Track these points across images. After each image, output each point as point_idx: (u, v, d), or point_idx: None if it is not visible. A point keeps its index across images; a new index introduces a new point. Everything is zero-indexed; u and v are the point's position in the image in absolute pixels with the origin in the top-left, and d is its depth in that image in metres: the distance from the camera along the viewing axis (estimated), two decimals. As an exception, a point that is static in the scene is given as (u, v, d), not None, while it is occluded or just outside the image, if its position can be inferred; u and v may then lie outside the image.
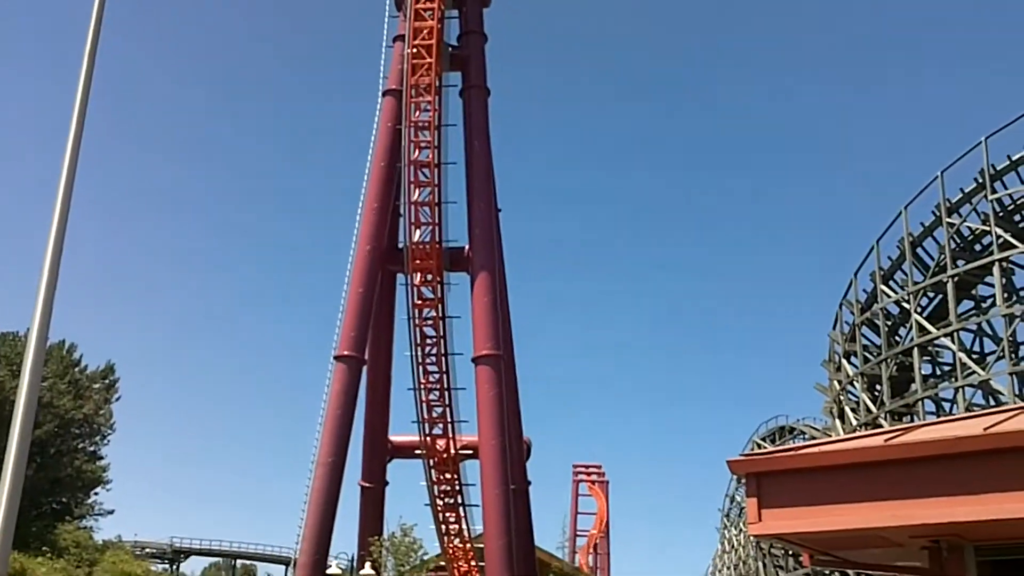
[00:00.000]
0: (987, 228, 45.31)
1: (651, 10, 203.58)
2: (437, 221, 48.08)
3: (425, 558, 49.79)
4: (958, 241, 48.02)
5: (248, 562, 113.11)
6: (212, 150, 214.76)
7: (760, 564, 63.89)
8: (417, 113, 46.70)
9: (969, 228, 47.79)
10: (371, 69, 51.19)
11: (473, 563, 55.87)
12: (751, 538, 73.09)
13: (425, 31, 46.37)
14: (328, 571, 45.78)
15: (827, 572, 49.68)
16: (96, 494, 75.33)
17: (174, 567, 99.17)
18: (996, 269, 43.68)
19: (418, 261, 47.85)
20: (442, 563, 57.59)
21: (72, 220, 8.23)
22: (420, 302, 48.88)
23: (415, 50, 46.18)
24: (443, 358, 49.29)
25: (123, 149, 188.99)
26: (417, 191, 47.51)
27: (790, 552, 54.64)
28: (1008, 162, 45.13)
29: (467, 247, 49.15)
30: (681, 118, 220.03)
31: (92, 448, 74.61)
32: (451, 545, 56.13)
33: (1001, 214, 45.58)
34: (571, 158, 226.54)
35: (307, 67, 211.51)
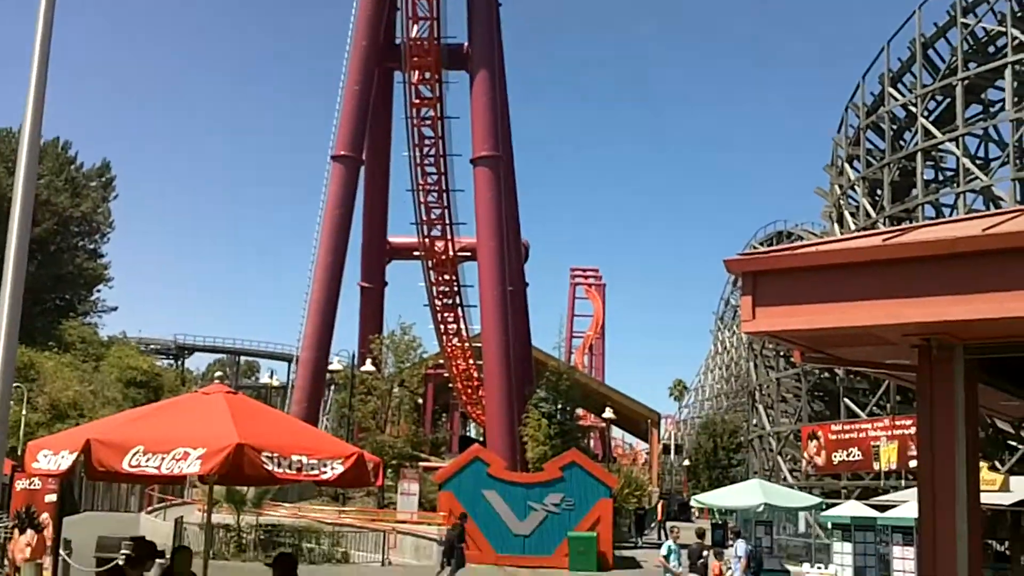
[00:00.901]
0: (1003, 29, 43.83)
1: None
2: (435, 15, 46.59)
3: (424, 356, 51.12)
4: (971, 43, 46.58)
5: (251, 358, 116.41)
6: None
7: (751, 364, 65.68)
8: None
9: (984, 29, 46.24)
10: None
11: (471, 361, 57.49)
12: (743, 339, 74.87)
13: None
14: (330, 367, 47.12)
15: (817, 371, 51.08)
16: (99, 291, 76.63)
17: (179, 363, 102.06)
18: (1008, 72, 42.55)
19: (416, 58, 46.68)
20: (441, 361, 59.25)
21: (62, 13, 7.81)
22: (418, 101, 48.06)
23: None
24: (442, 159, 48.94)
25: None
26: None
27: (781, 353, 56.00)
28: (1031, -42, 43.11)
29: (466, 44, 47.83)
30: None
31: (92, 246, 75.28)
32: (449, 344, 57.60)
33: (1019, 14, 43.93)
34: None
35: None
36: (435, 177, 49.61)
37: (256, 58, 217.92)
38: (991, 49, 46.50)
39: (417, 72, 47.22)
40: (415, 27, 46.79)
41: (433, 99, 47.97)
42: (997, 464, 35.30)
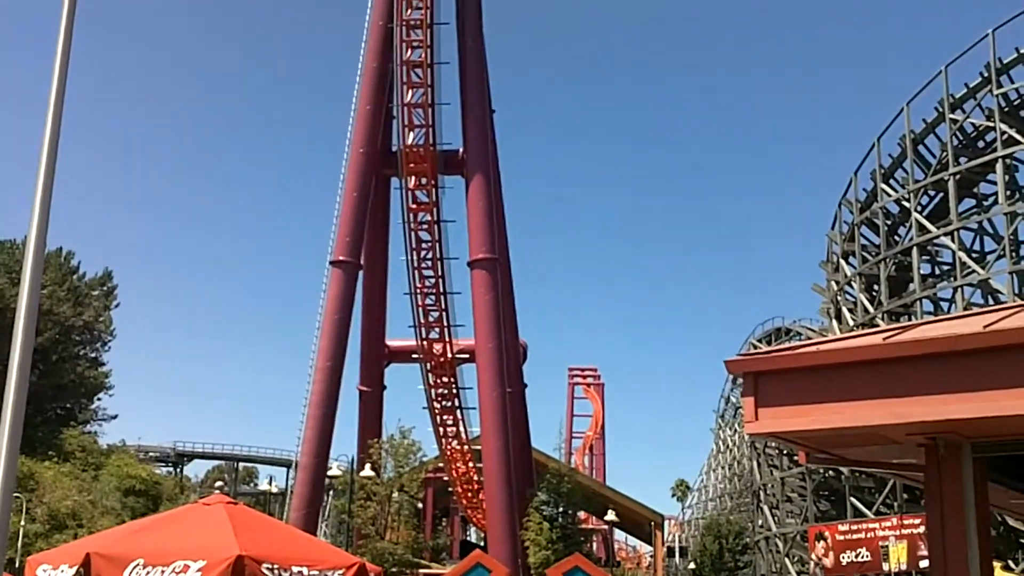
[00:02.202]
0: (991, 124, 44.67)
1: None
2: (431, 123, 47.46)
3: (424, 460, 50.59)
4: (961, 138, 47.44)
5: (250, 464, 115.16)
6: (207, 62, 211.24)
7: (754, 463, 65.03)
8: (409, 11, 45.68)
9: (973, 124, 47.13)
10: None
11: (471, 464, 56.81)
12: (746, 438, 74.24)
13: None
14: (329, 473, 46.55)
15: (822, 471, 50.53)
16: (99, 399, 76.18)
17: (178, 470, 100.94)
18: (999, 166, 43.22)
19: (412, 164, 47.39)
20: (440, 464, 58.55)
21: (65, 127, 7.98)
22: (415, 206, 48.60)
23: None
24: (439, 262, 49.24)
25: (115, 59, 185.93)
26: (410, 92, 46.78)
27: (784, 451, 55.51)
28: (1016, 55, 44.06)
29: (461, 149, 48.64)
30: (680, 9, 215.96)
31: (93, 355, 75.15)
32: (449, 447, 56.99)
33: (1007, 109, 44.84)
34: (566, 55, 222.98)
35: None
36: (432, 280, 49.88)
37: (254, 163, 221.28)
38: (981, 144, 47.32)
39: (414, 178, 47.93)
40: (411, 135, 47.65)
41: (429, 204, 48.57)
42: (1011, 563, 34.65)
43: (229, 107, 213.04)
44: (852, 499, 47.60)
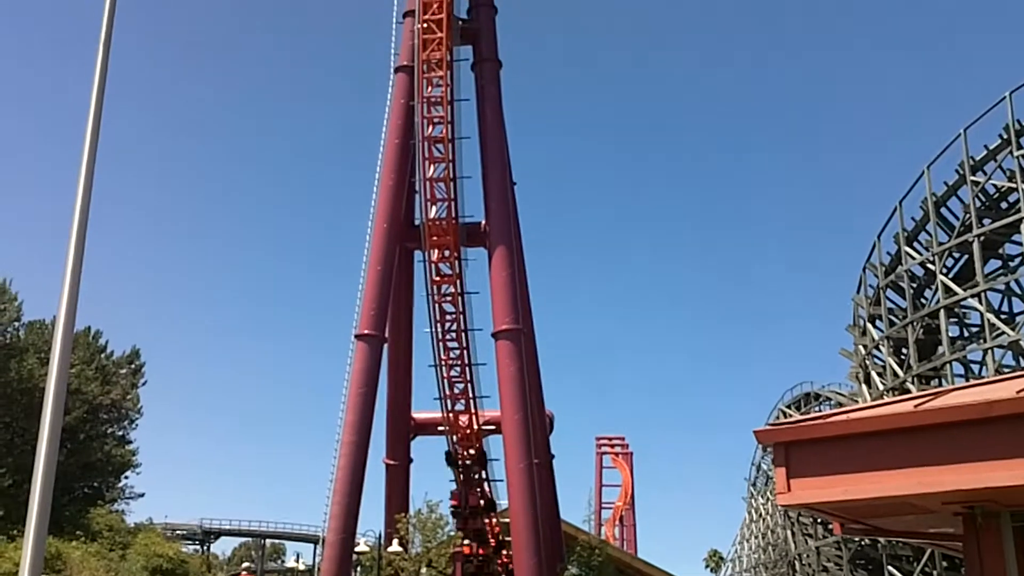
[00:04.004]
0: (1013, 185, 44.58)
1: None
2: (453, 196, 47.88)
3: (452, 534, 50.00)
4: (983, 199, 47.31)
5: (277, 541, 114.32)
6: (230, 137, 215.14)
7: (788, 532, 63.80)
8: (429, 89, 46.36)
9: (995, 186, 47.05)
10: (382, 46, 50.97)
11: (500, 537, 56.04)
12: (779, 507, 72.97)
13: (435, 5, 45.94)
14: (356, 549, 46.06)
15: (857, 540, 49.51)
16: (126, 478, 76.14)
17: (205, 548, 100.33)
18: None
19: (435, 237, 47.69)
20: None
21: (94, 208, 8.11)
22: (438, 278, 48.78)
23: (426, 25, 45.78)
24: (463, 334, 49.23)
25: (142, 141, 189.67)
26: (432, 167, 47.28)
27: (819, 520, 54.50)
28: (1034, 117, 44.23)
29: (483, 222, 48.95)
30: (701, 83, 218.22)
31: (120, 433, 75.33)
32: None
33: (1027, 170, 44.80)
34: (586, 127, 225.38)
35: (317, 45, 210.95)
36: (457, 352, 49.81)
37: (278, 240, 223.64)
38: (1004, 204, 47.16)
39: (436, 251, 48.21)
40: (433, 208, 48.05)
41: (453, 276, 48.74)
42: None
43: (251, 184, 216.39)
44: (890, 568, 46.54)
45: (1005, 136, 44.82)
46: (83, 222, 7.70)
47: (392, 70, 49.82)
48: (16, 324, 66.54)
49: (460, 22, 49.56)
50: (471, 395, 50.58)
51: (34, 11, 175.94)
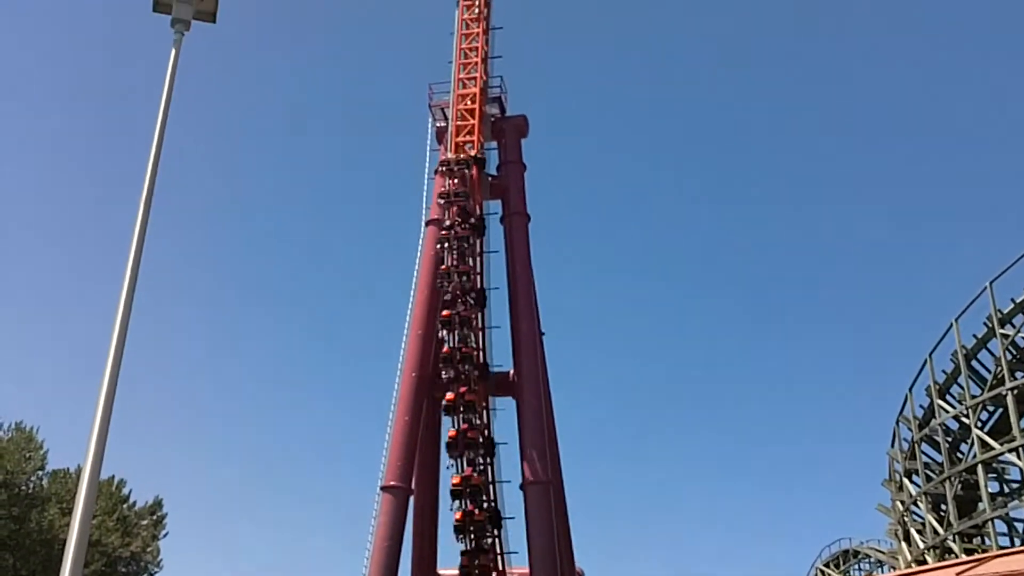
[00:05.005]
0: (1044, 338, 44.31)
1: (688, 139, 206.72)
2: (481, 347, 48.15)
3: None
4: (1014, 352, 46.91)
5: None
6: (260, 285, 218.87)
7: None
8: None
9: (1024, 339, 46.77)
10: (414, 197, 52.42)
11: None
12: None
13: (460, 185, 47.74)
14: None
15: None
16: (143, 632, 74.33)
17: None
18: (1057, 380, 42.50)
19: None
20: None
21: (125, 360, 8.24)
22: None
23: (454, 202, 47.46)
24: (491, 485, 48.58)
25: (168, 302, 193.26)
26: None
27: None
28: (1060, 269, 44.30)
29: (512, 372, 49.00)
30: (732, 238, 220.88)
31: (139, 586, 73.96)
32: None
33: (1059, 322, 44.62)
34: (614, 270, 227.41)
35: (349, 196, 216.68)
36: (484, 504, 49.01)
37: (305, 383, 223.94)
38: (1035, 357, 46.75)
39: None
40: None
41: (481, 426, 48.46)
42: None
43: (278, 331, 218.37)
44: None
45: (1032, 289, 44.86)
46: (114, 376, 7.79)
47: (423, 222, 51.05)
48: (40, 473, 66.48)
49: (490, 178, 51.10)
50: (499, 550, 49.48)
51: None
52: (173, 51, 13.96)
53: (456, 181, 47.55)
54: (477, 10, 52.40)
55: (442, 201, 47.81)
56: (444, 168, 48.02)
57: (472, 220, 47.29)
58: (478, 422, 48.41)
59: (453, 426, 48.04)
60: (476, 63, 51.04)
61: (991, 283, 46.48)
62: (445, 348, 47.09)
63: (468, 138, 48.53)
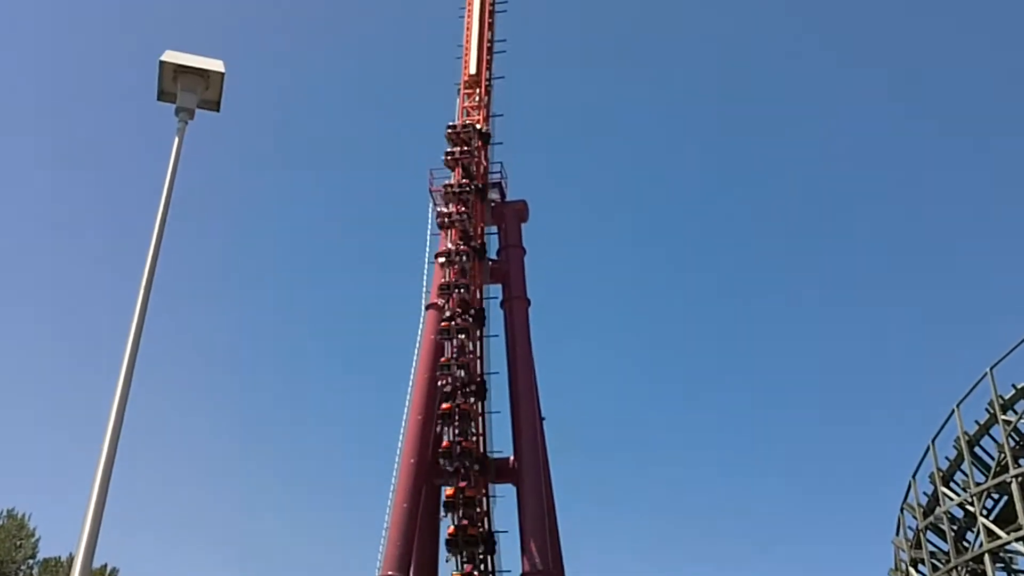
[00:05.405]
0: (1046, 425, 43.98)
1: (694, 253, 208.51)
2: (481, 432, 47.90)
3: None
4: (1017, 439, 46.50)
5: None
6: (261, 372, 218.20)
7: None
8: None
9: (1028, 425, 46.38)
10: (414, 283, 52.65)
11: None
12: None
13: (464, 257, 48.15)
14: None
15: None
16: None
17: None
18: (1062, 467, 42.03)
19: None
20: None
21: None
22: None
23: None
24: (490, 575, 47.81)
25: (164, 389, 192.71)
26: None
27: None
28: (1058, 355, 44.17)
29: (512, 458, 48.62)
30: (735, 326, 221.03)
31: None
32: None
33: (1061, 409, 44.31)
34: (611, 354, 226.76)
35: (350, 278, 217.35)
36: (485, 595, 48.17)
37: (300, 472, 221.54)
38: (1039, 443, 46.31)
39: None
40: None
41: (481, 513, 47.91)
42: None
43: (280, 414, 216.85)
44: None
45: (1034, 374, 44.66)
46: (107, 470, 7.77)
47: (423, 307, 51.20)
48: (31, 562, 65.49)
49: (491, 262, 51.42)
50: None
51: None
52: (176, 139, 14.22)
53: (456, 270, 47.83)
54: (478, 98, 53.49)
55: (442, 299, 47.91)
56: (444, 259, 48.31)
57: (472, 311, 47.43)
58: (479, 511, 47.83)
59: (453, 522, 47.36)
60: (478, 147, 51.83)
61: (991, 368, 46.32)
62: (445, 442, 46.81)
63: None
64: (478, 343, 48.01)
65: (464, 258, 47.69)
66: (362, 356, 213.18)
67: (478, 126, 51.24)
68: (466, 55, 54.91)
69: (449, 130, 50.51)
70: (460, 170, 49.83)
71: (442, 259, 48.61)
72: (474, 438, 47.39)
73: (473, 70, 54.00)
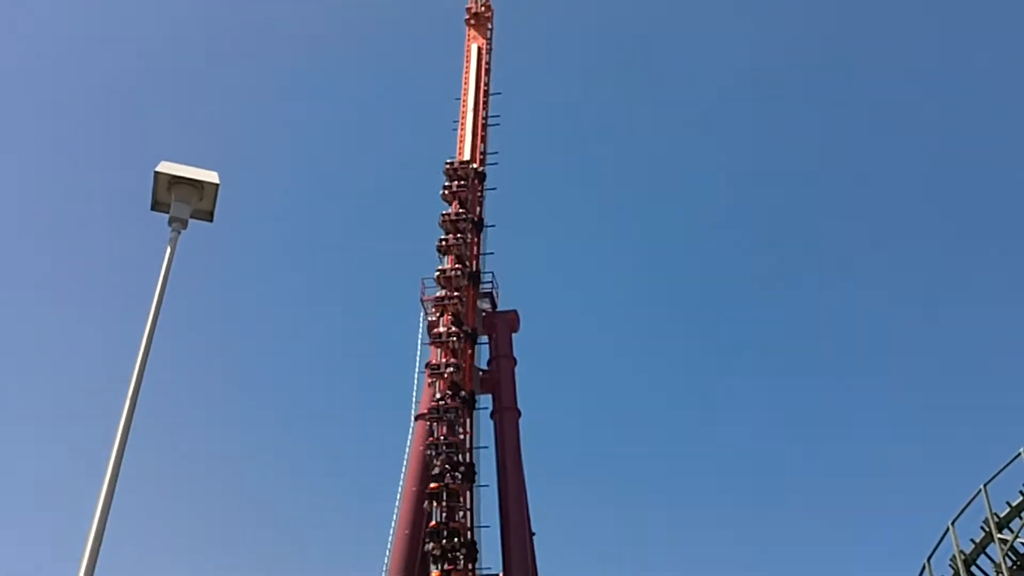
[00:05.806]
0: (1043, 541, 43.31)
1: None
2: (470, 526, 47.07)
3: None
4: (1014, 559, 45.78)
5: None
6: (261, 433, 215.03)
7: None
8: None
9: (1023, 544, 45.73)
10: (404, 394, 52.35)
11: None
12: None
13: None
14: None
15: None
16: None
17: None
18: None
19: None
20: None
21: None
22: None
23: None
24: None
25: (152, 494, 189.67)
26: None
27: None
28: (1052, 472, 43.81)
29: (501, 573, 47.72)
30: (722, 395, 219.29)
31: None
32: None
33: (1057, 528, 43.71)
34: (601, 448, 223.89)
35: (339, 390, 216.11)
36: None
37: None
38: (1036, 563, 45.58)
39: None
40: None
41: None
42: None
43: (279, 493, 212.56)
44: None
45: (1026, 493, 44.21)
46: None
47: (412, 418, 50.78)
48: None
49: (481, 372, 51.23)
50: None
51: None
52: (168, 248, 14.41)
53: (448, 351, 47.54)
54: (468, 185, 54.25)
55: (431, 379, 47.50)
56: (437, 340, 48.11)
57: (463, 394, 47.01)
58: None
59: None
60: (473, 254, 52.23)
61: (985, 485, 45.77)
62: (432, 523, 45.83)
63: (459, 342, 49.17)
64: (468, 435, 47.47)
65: (455, 339, 47.54)
66: (348, 462, 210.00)
67: (475, 165, 52.77)
68: (460, 142, 55.77)
69: (447, 166, 52.16)
70: (452, 259, 49.99)
71: (435, 340, 48.46)
72: (463, 523, 46.64)
73: (467, 156, 55.02)
